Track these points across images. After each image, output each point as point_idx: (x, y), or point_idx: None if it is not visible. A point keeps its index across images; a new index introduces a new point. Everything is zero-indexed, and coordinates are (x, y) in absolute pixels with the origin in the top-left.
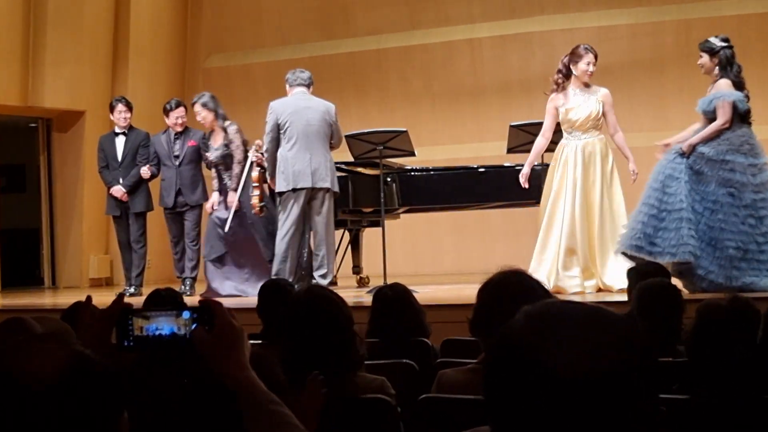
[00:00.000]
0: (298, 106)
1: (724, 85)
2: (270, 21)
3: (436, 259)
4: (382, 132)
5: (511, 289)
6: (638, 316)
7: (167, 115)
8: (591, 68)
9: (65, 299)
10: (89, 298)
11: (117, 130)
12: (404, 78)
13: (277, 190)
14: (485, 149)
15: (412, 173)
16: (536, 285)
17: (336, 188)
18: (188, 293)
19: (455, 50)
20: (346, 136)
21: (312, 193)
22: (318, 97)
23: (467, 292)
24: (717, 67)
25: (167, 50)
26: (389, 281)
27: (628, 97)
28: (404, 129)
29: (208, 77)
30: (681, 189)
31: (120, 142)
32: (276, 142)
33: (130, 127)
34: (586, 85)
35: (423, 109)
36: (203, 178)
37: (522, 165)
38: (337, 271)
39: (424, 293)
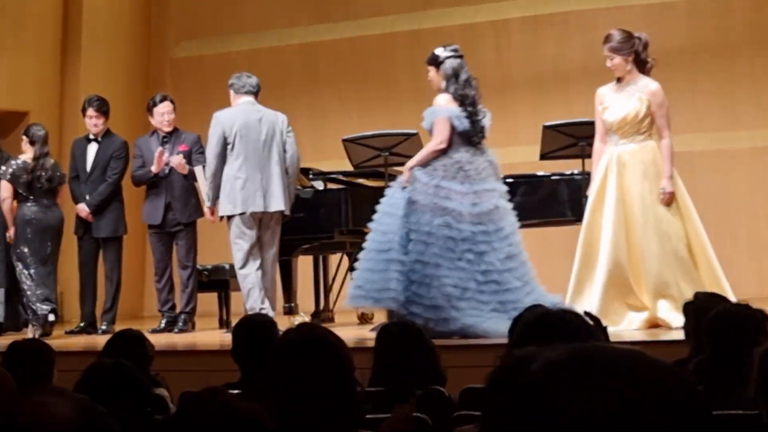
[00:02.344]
0: (247, 119)
1: (442, 99)
2: (252, 1)
3: None
4: (389, 135)
5: (552, 328)
6: (706, 360)
7: (151, 114)
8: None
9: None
10: None
11: (90, 135)
12: (415, 69)
13: (221, 215)
14: (513, 155)
15: None
16: (580, 322)
17: (288, 211)
18: (185, 329)
19: (477, 34)
20: (344, 140)
21: (263, 217)
22: (267, 107)
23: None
24: (443, 81)
25: (127, 37)
26: (396, 317)
27: (690, 90)
28: (415, 131)
29: (177, 69)
30: (394, 226)
31: (92, 150)
32: (222, 159)
33: (107, 132)
34: (620, 80)
35: None
36: (197, 192)
37: (559, 174)
38: (334, 304)
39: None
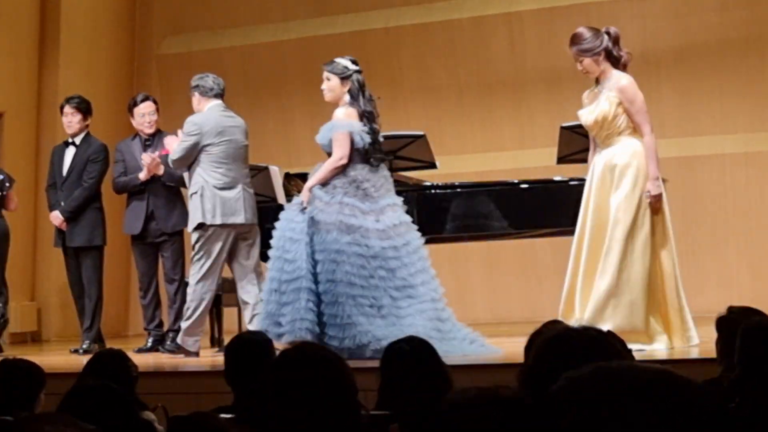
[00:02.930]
0: (224, 124)
1: (341, 113)
2: None
3: (464, 304)
4: (393, 137)
5: (572, 345)
6: (737, 379)
7: (132, 115)
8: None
9: None
10: None
11: (69, 139)
12: (422, 66)
13: (200, 222)
14: (528, 158)
15: (433, 191)
16: (603, 339)
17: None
18: (172, 350)
19: (488, 28)
20: None
21: (242, 230)
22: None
23: (507, 348)
24: (349, 95)
25: (110, 33)
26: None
27: (718, 88)
28: (422, 132)
29: (164, 66)
30: (300, 252)
31: (69, 154)
32: (188, 166)
33: (86, 136)
34: (598, 80)
35: (447, 105)
36: (183, 198)
37: (577, 178)
38: None
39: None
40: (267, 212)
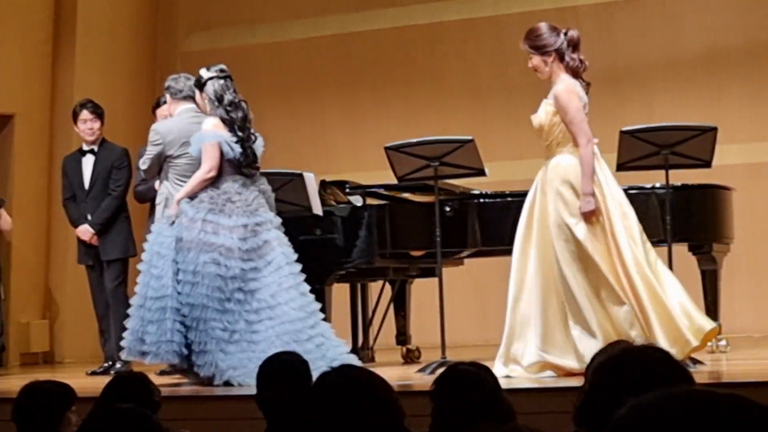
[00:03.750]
0: (190, 131)
1: (209, 124)
2: None
3: None
4: (438, 142)
5: (634, 366)
6: None
7: (155, 116)
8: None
9: None
10: None
11: (84, 147)
12: (469, 65)
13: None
14: None
15: (482, 200)
16: (667, 361)
17: None
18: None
19: (540, 22)
20: (386, 148)
21: None
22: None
23: None
24: (209, 104)
25: (130, 29)
26: (449, 354)
27: None
28: (470, 137)
29: (189, 64)
30: (167, 269)
31: (88, 163)
32: (157, 175)
33: (102, 142)
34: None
35: (496, 108)
36: None
37: (637, 186)
38: (375, 340)
39: (502, 371)
40: (301, 223)
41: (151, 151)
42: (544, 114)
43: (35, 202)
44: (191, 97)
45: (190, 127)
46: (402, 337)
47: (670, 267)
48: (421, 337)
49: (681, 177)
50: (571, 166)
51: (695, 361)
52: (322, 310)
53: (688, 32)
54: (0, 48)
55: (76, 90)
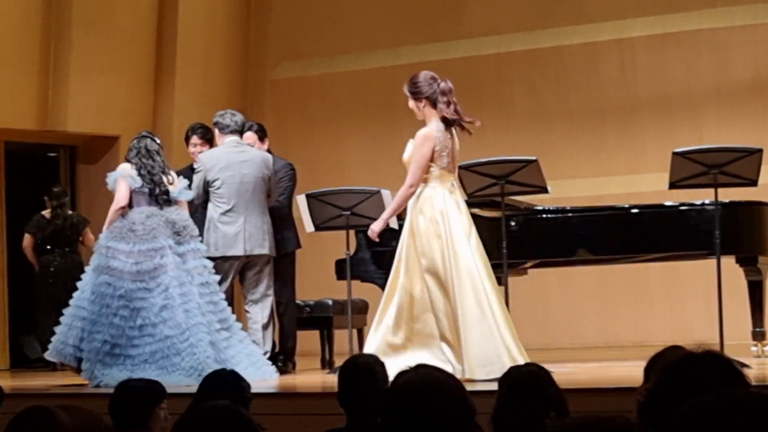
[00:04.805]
0: (231, 160)
1: (124, 164)
2: (357, 20)
3: (575, 328)
4: (505, 162)
5: (695, 370)
6: None
7: None
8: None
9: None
10: None
11: (195, 164)
12: (533, 91)
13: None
14: (640, 183)
15: (544, 215)
16: (726, 365)
17: (274, 252)
18: (286, 370)
19: (599, 54)
20: (459, 167)
21: (248, 261)
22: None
23: (618, 372)
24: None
25: (225, 57)
26: None
27: None
28: (533, 158)
29: (277, 90)
30: (87, 283)
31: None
32: (205, 201)
33: None
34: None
35: (557, 131)
36: (293, 221)
37: (688, 203)
38: None
39: (561, 373)
40: (379, 235)
41: (196, 177)
42: (406, 152)
43: None
44: (237, 131)
45: (229, 155)
46: None
47: (719, 278)
48: None
49: (729, 195)
50: (427, 197)
51: (741, 365)
52: None
53: (736, 61)
54: (108, 77)
55: (175, 114)
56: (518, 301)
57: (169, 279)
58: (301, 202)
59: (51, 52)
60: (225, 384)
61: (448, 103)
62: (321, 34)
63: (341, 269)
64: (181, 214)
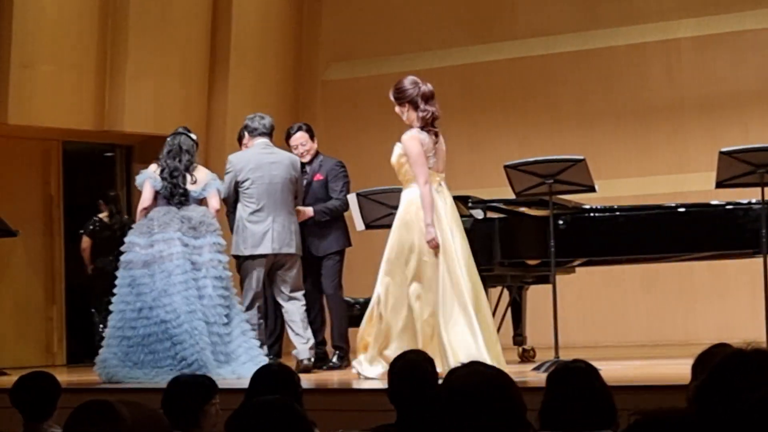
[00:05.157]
0: (260, 161)
1: (152, 165)
2: (406, 22)
3: (622, 326)
4: (553, 161)
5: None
6: None
7: (288, 144)
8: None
9: None
10: None
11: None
12: (580, 91)
13: (232, 253)
14: (687, 182)
15: (592, 214)
16: None
17: (301, 252)
18: (340, 365)
19: (646, 54)
20: (506, 167)
21: (276, 260)
22: (281, 149)
23: (665, 370)
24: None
25: (277, 59)
26: (561, 354)
27: None
28: (581, 157)
29: (328, 91)
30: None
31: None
32: (235, 201)
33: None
34: None
35: (604, 130)
36: (343, 221)
37: (734, 202)
38: None
39: (608, 370)
40: None
41: (225, 178)
42: (394, 155)
43: None
44: (265, 134)
45: (259, 157)
46: (518, 338)
47: (766, 277)
48: (536, 338)
49: None
50: (412, 199)
51: None
52: None
53: None
54: (163, 79)
55: (228, 115)
56: (565, 300)
57: (173, 267)
58: (351, 200)
59: (108, 55)
60: (277, 378)
61: (425, 109)
62: (371, 36)
63: None
64: (198, 210)
